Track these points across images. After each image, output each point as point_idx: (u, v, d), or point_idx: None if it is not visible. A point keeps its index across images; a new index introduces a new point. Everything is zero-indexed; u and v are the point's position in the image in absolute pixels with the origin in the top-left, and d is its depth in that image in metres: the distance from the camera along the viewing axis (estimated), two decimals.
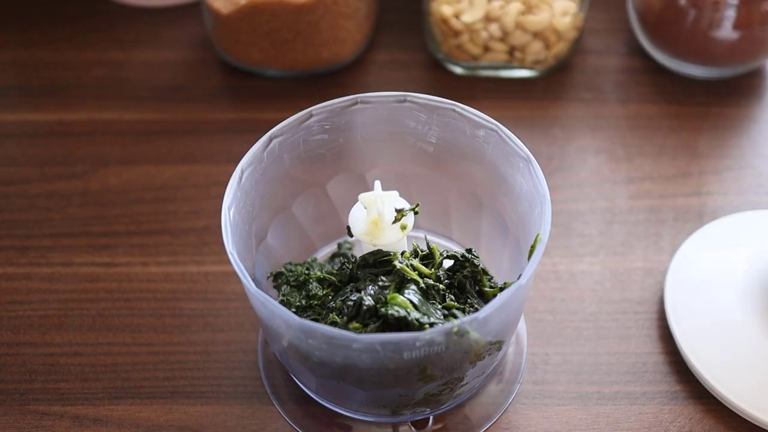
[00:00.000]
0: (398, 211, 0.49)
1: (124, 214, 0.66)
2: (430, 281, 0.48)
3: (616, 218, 0.65)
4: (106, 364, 0.57)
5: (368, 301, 0.46)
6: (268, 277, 0.54)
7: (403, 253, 0.49)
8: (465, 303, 0.49)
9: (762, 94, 0.75)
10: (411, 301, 0.46)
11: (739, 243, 0.61)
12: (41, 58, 0.78)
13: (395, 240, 0.48)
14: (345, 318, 0.47)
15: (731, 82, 0.75)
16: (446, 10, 0.72)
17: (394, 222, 0.49)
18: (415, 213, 0.50)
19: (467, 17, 0.71)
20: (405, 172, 0.56)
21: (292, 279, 0.53)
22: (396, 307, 0.45)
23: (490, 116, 0.52)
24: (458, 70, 0.76)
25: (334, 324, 0.47)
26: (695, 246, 0.61)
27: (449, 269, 0.51)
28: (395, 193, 0.48)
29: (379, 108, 0.53)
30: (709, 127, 0.72)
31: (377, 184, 0.48)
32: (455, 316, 0.48)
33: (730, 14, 0.68)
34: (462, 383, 0.49)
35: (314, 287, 0.52)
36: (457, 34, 0.72)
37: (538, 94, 0.75)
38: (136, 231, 0.65)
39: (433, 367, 0.45)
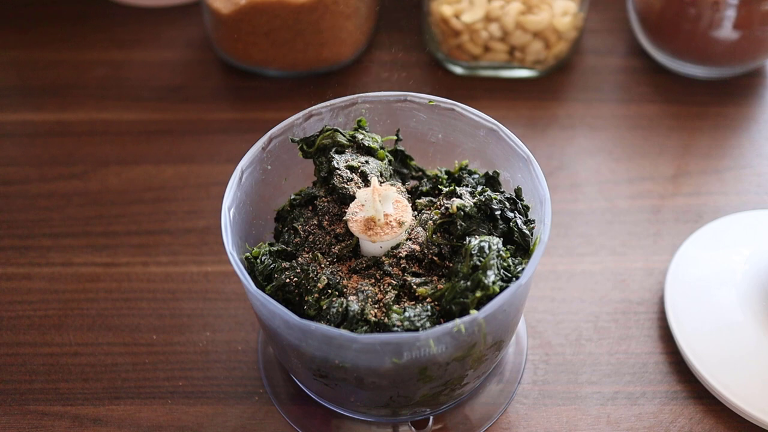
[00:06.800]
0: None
1: (124, 214, 0.66)
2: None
3: (616, 218, 0.65)
4: (106, 364, 0.57)
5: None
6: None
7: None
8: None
9: (762, 94, 0.75)
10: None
11: (739, 243, 0.61)
12: (41, 58, 0.78)
13: (393, 236, 0.48)
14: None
15: (731, 82, 0.75)
16: (446, 10, 0.72)
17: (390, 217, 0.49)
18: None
19: (467, 17, 0.71)
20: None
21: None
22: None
23: (490, 116, 0.52)
24: (458, 70, 0.76)
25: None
26: (695, 246, 0.61)
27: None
28: (393, 189, 0.48)
29: (379, 108, 0.53)
30: (709, 127, 0.72)
31: (374, 180, 0.48)
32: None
33: (730, 14, 0.68)
34: (462, 383, 0.49)
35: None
36: (457, 34, 0.72)
37: (538, 94, 0.75)
38: (136, 231, 0.65)
39: (433, 368, 0.45)
